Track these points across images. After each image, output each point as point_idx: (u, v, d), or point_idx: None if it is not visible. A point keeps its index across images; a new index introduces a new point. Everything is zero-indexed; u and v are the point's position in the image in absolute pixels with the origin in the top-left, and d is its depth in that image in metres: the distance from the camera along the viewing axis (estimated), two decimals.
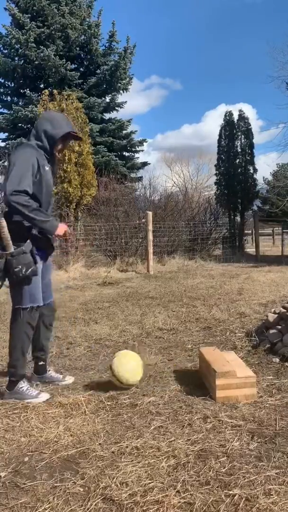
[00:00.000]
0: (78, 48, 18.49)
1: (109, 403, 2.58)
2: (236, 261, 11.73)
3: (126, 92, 19.53)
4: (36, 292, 2.66)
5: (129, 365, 2.78)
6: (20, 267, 2.49)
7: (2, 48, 18.27)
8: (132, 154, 20.02)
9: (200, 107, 71.31)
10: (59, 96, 10.79)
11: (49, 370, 3.02)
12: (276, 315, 3.59)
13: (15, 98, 19.04)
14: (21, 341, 2.65)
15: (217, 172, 14.24)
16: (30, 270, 2.53)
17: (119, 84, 18.94)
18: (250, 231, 18.56)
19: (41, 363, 2.97)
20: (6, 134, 18.83)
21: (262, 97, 62.61)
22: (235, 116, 14.09)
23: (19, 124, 17.93)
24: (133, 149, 19.83)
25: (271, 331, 3.48)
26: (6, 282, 2.63)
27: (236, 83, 67.96)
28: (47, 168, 2.67)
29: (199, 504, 1.63)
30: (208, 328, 4.31)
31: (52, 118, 2.76)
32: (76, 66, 19.00)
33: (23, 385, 2.69)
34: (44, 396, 2.67)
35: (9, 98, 19.05)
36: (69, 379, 2.99)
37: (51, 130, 2.68)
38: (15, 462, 1.99)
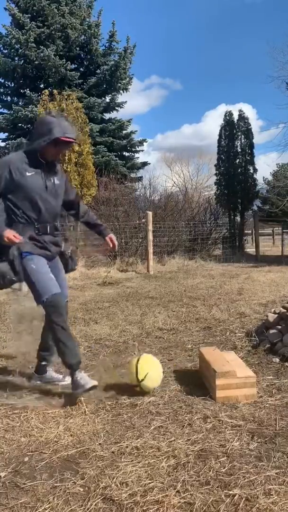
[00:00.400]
0: (78, 48, 18.48)
1: (109, 403, 2.58)
2: (236, 261, 11.73)
3: (126, 92, 19.52)
4: (45, 284, 2.61)
5: (156, 372, 2.77)
6: None
7: (2, 48, 18.26)
8: (132, 154, 20.01)
9: (200, 107, 71.33)
10: (59, 96, 10.81)
11: (49, 370, 3.01)
12: (276, 315, 3.59)
13: (15, 98, 19.02)
14: (57, 333, 2.61)
15: (217, 172, 14.24)
16: (5, 279, 2.57)
17: (119, 84, 18.93)
18: (250, 231, 18.55)
19: (43, 363, 2.96)
20: (6, 134, 18.81)
21: (262, 97, 62.63)
22: (235, 116, 14.09)
23: (19, 124, 17.92)
24: (133, 149, 19.81)
25: (271, 331, 3.48)
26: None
27: (236, 83, 67.98)
28: (29, 174, 2.62)
29: (199, 504, 1.63)
30: (208, 328, 4.31)
31: (43, 123, 2.68)
32: (76, 66, 18.98)
33: (79, 374, 2.62)
34: (93, 382, 2.58)
35: (9, 98, 19.03)
36: (69, 379, 2.98)
37: (39, 136, 2.63)
38: (15, 462, 1.99)
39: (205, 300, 5.70)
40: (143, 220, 10.25)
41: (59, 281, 2.82)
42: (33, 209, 2.66)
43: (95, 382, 2.59)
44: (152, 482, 1.77)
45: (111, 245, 3.01)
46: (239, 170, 13.85)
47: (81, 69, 19.13)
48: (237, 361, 2.87)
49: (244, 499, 1.65)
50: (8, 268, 2.58)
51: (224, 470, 1.85)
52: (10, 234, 2.57)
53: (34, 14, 17.67)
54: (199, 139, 53.87)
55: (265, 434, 2.17)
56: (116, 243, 3.03)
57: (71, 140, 2.67)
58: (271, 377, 2.96)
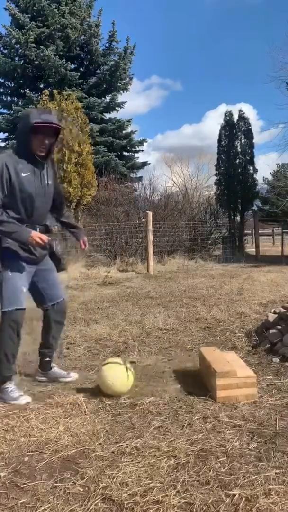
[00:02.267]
0: (78, 48, 18.48)
1: (109, 403, 2.58)
2: (236, 261, 11.73)
3: (126, 92, 19.54)
4: (14, 295, 2.62)
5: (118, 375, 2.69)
6: None
7: (2, 48, 18.27)
8: (132, 154, 20.02)
9: (200, 107, 71.43)
10: (59, 96, 10.80)
11: (54, 366, 3.03)
12: (276, 315, 3.60)
13: (15, 98, 19.03)
14: (3, 345, 2.64)
15: (217, 172, 14.23)
16: None
17: (119, 84, 18.94)
18: (250, 231, 18.55)
19: (46, 359, 3.00)
20: (6, 134, 18.83)
21: (263, 97, 62.62)
22: (235, 116, 14.10)
23: (19, 124, 17.91)
24: (133, 149, 19.82)
25: (271, 331, 3.48)
26: None
27: (236, 83, 67.98)
28: (24, 174, 2.58)
29: (199, 504, 1.63)
30: (208, 328, 4.31)
31: (22, 116, 2.69)
32: (76, 66, 18.98)
33: (9, 386, 2.69)
34: (24, 399, 2.63)
35: (9, 98, 19.04)
36: (74, 376, 3.01)
37: (19, 129, 2.62)
38: (15, 462, 1.99)
39: (205, 300, 5.69)
40: (143, 220, 10.25)
41: (51, 282, 2.85)
42: (23, 210, 2.62)
43: (27, 400, 2.63)
44: (152, 482, 1.77)
45: (83, 247, 3.02)
46: (239, 170, 13.85)
47: (81, 69, 19.13)
48: (237, 361, 2.87)
49: (244, 499, 1.65)
50: None
51: (224, 470, 1.85)
52: (36, 236, 2.58)
53: (34, 14, 17.68)
54: (199, 139, 53.86)
55: (265, 434, 2.17)
56: (87, 244, 3.05)
57: (48, 123, 2.58)
58: (271, 377, 2.96)
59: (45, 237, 2.61)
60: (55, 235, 3.12)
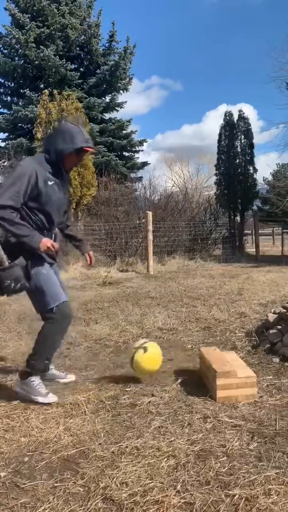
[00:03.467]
0: (78, 48, 18.50)
1: (109, 403, 2.58)
2: (236, 261, 11.73)
3: (126, 92, 19.57)
4: (54, 290, 2.65)
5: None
6: (9, 281, 2.51)
7: (2, 48, 18.29)
8: (132, 154, 20.03)
9: (200, 107, 71.47)
10: (59, 96, 10.81)
11: (52, 368, 3.02)
12: (276, 315, 3.59)
13: (15, 98, 19.05)
14: (54, 340, 2.68)
15: (217, 172, 14.24)
16: (19, 284, 2.54)
17: (119, 84, 18.95)
18: (250, 231, 18.55)
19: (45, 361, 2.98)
20: (6, 134, 18.84)
21: (263, 97, 62.66)
22: (235, 116, 14.11)
23: (19, 124, 17.94)
24: (133, 149, 19.84)
25: (271, 331, 3.48)
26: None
27: (237, 83, 68.03)
28: (50, 183, 2.60)
29: (199, 504, 1.63)
30: (208, 328, 4.31)
31: (65, 131, 2.64)
32: (76, 66, 19.00)
33: (36, 380, 2.67)
34: (52, 398, 2.62)
35: (9, 98, 19.06)
36: (71, 378, 3.02)
37: (62, 145, 2.60)
38: (15, 462, 1.99)
39: (205, 300, 5.69)
40: (143, 220, 10.25)
41: (60, 283, 2.86)
42: (47, 218, 2.65)
43: (54, 399, 2.62)
44: (152, 482, 1.77)
45: (89, 262, 3.05)
46: (239, 170, 13.86)
47: (81, 69, 19.15)
48: (238, 361, 2.87)
49: (244, 499, 1.65)
50: (21, 273, 2.55)
51: (224, 470, 1.85)
52: (48, 242, 2.58)
53: (34, 14, 17.69)
54: (199, 139, 53.86)
55: (265, 434, 2.17)
56: (93, 259, 3.08)
57: (93, 149, 2.71)
58: (271, 377, 2.96)
59: (56, 245, 2.64)
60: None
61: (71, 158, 2.67)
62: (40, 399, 2.59)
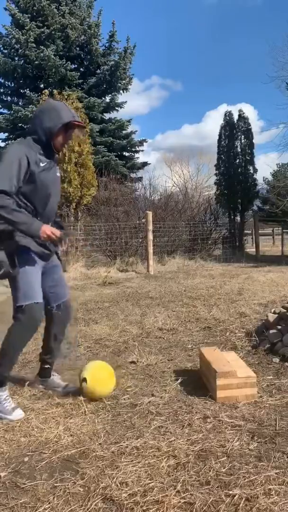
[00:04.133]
0: (78, 48, 18.50)
1: (109, 403, 2.58)
2: (236, 261, 11.73)
3: (126, 92, 19.57)
4: (30, 289, 2.45)
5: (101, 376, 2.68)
6: None
7: (2, 48, 18.28)
8: (132, 154, 20.03)
9: (201, 107, 71.53)
10: (59, 96, 10.79)
11: (54, 375, 2.90)
12: (276, 315, 3.59)
13: (15, 98, 19.05)
14: (16, 343, 2.48)
15: (217, 172, 14.25)
16: (2, 270, 2.38)
17: (119, 84, 18.95)
18: (250, 231, 18.55)
19: (46, 366, 2.85)
20: (6, 134, 18.84)
21: (263, 97, 62.67)
22: (235, 116, 14.12)
23: (19, 124, 17.92)
24: (133, 149, 19.84)
25: (271, 331, 3.48)
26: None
27: (237, 83, 68.09)
28: (42, 164, 2.45)
29: (199, 504, 1.63)
30: (208, 328, 4.31)
31: (50, 108, 2.52)
32: (76, 66, 19.00)
33: (2, 393, 2.46)
34: (18, 414, 2.42)
35: (9, 98, 19.05)
36: (71, 388, 2.81)
37: (48, 122, 2.47)
38: (15, 462, 1.99)
39: (205, 300, 5.69)
40: (143, 220, 10.25)
41: (57, 278, 2.71)
42: (40, 203, 2.50)
43: (21, 415, 2.42)
44: (152, 482, 1.77)
45: (65, 248, 2.79)
46: (239, 170, 13.87)
47: (81, 69, 19.15)
48: (238, 361, 2.87)
49: (244, 499, 1.65)
50: (5, 258, 2.39)
51: (224, 470, 1.85)
52: (48, 230, 2.42)
53: (34, 14, 17.70)
54: (199, 139, 53.86)
55: (265, 434, 2.17)
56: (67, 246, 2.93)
57: (81, 123, 2.57)
58: (271, 377, 2.96)
59: (58, 232, 2.46)
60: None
61: (60, 136, 2.52)
62: (3, 416, 2.40)
